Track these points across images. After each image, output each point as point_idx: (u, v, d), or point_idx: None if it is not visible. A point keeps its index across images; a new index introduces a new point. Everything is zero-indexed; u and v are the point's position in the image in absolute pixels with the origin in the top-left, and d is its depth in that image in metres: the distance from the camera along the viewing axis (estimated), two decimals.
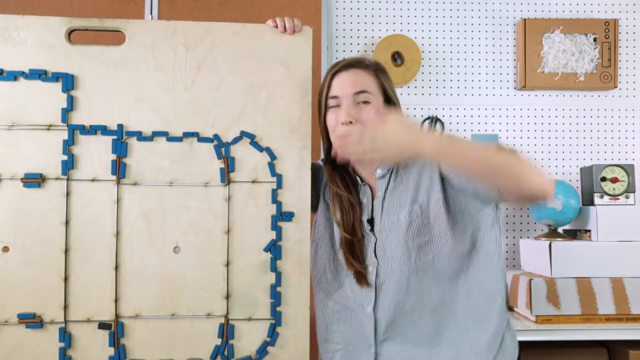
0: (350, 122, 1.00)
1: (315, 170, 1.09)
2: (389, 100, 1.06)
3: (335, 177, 1.07)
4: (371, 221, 1.05)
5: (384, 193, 1.04)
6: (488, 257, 0.99)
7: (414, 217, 1.00)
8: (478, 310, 0.99)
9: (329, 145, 1.07)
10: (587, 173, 1.65)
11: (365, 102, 1.02)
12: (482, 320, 0.99)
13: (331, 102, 1.04)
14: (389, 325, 1.01)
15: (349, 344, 1.05)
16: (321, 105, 1.06)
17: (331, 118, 1.04)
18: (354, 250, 1.03)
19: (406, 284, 0.99)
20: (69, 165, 1.00)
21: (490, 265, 1.00)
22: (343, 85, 1.03)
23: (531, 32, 1.78)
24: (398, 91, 1.70)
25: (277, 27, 1.03)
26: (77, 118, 1.01)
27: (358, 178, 1.08)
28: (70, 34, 1.02)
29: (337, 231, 1.07)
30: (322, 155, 1.12)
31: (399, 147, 0.86)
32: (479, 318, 0.99)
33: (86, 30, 1.03)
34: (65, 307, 0.99)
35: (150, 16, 1.76)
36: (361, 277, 1.02)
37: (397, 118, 0.87)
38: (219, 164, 1.02)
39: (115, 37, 1.03)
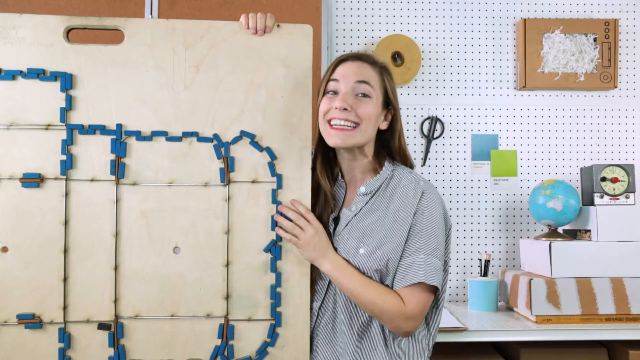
0: (345, 109, 1.00)
1: None
2: (388, 103, 1.06)
3: (324, 170, 1.07)
4: (336, 220, 1.05)
5: (358, 211, 1.04)
6: None
7: (371, 263, 1.00)
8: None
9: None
10: (587, 173, 1.65)
11: (365, 96, 1.01)
12: None
13: (330, 85, 1.02)
14: (325, 325, 1.02)
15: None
16: (320, 90, 1.05)
17: (324, 103, 1.02)
18: None
19: (344, 306, 1.02)
20: (67, 165, 0.99)
21: None
22: (346, 72, 1.02)
23: (531, 32, 1.78)
24: (398, 91, 1.69)
25: (248, 27, 1.02)
26: (75, 117, 1.00)
27: (339, 173, 1.08)
28: (69, 32, 1.01)
29: None
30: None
31: (309, 258, 1.01)
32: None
33: (84, 28, 1.03)
34: (65, 308, 0.98)
35: (150, 16, 1.76)
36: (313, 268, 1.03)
37: (311, 238, 0.99)
38: (219, 164, 1.02)
39: (114, 36, 1.02)
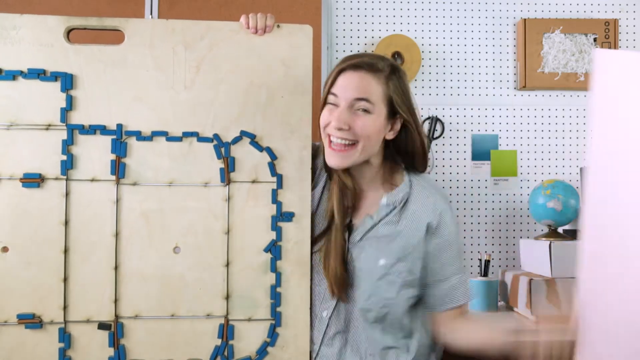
0: (341, 129, 0.96)
1: (316, 151, 1.06)
2: (395, 112, 0.99)
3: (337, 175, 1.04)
4: (349, 227, 1.02)
5: (379, 221, 1.01)
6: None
7: (391, 273, 0.99)
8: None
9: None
10: (587, 173, 1.65)
11: (365, 111, 0.96)
12: None
13: (330, 97, 0.99)
14: (335, 334, 1.02)
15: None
16: (321, 98, 1.02)
17: (324, 115, 0.99)
18: (329, 252, 1.00)
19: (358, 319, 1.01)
20: (68, 165, 0.99)
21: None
22: (346, 86, 0.97)
23: (531, 32, 1.78)
24: None
25: (248, 27, 1.01)
26: (76, 118, 1.00)
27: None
28: (69, 33, 1.01)
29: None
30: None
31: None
32: None
33: (85, 29, 1.03)
34: (65, 308, 0.98)
35: (150, 16, 1.76)
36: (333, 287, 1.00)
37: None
38: (219, 164, 1.02)
39: (114, 37, 1.03)
